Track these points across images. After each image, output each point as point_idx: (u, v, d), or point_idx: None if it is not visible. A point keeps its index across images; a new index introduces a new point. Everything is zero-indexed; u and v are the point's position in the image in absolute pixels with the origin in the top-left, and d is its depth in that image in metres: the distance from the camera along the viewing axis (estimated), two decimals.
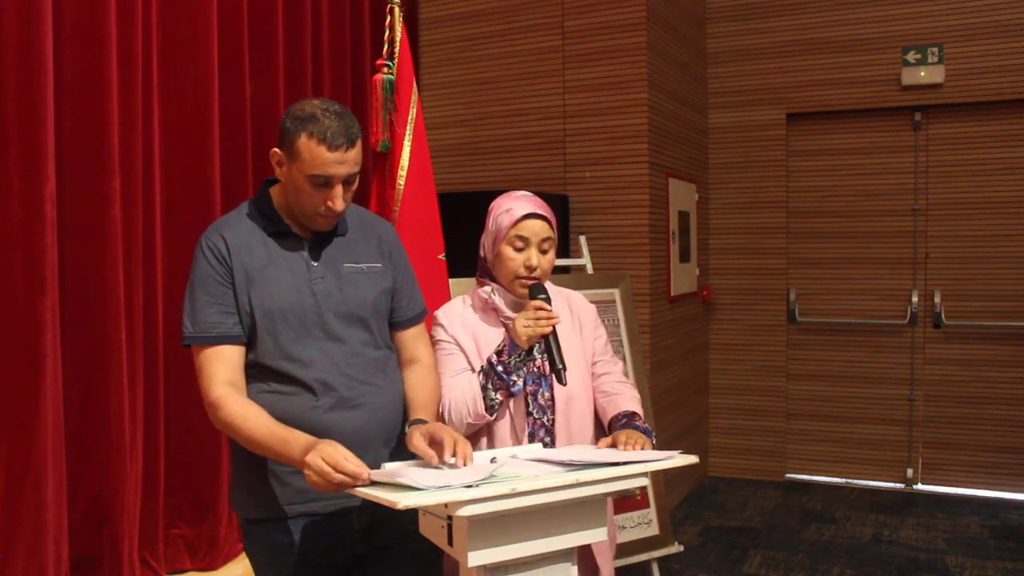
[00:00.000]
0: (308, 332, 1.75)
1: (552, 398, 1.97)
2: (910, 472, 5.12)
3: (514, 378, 1.90)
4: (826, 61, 5.09)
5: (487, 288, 2.00)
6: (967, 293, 5.00)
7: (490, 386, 1.90)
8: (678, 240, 4.78)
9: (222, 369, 1.70)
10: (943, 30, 4.84)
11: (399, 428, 1.86)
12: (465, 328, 2.00)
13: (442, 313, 2.04)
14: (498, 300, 1.98)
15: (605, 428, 2.01)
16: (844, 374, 5.27)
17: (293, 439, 1.59)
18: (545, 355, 1.93)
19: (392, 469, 1.50)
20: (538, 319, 1.87)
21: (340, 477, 1.48)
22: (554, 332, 1.88)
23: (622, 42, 4.35)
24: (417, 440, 1.65)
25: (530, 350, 1.92)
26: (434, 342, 2.02)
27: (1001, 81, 4.76)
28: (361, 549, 1.82)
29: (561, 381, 1.87)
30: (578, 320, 2.08)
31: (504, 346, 1.91)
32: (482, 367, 1.93)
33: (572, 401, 1.98)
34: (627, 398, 2.03)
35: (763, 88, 5.23)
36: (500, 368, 1.89)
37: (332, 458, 1.48)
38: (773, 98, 5.22)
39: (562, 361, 1.87)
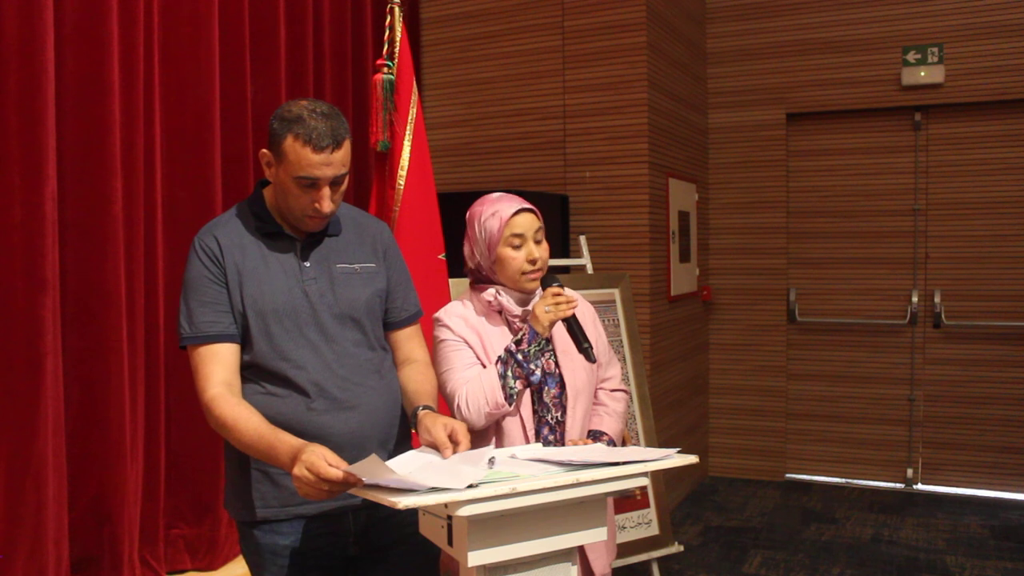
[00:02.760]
0: (301, 333, 1.74)
1: (558, 395, 1.99)
2: (910, 472, 5.12)
3: (532, 367, 1.92)
4: (826, 61, 5.09)
5: (491, 290, 1.99)
6: (967, 293, 5.00)
7: (510, 374, 1.90)
8: (678, 240, 4.78)
9: (218, 369, 1.69)
10: (943, 30, 4.84)
11: (395, 429, 1.86)
12: (469, 327, 2.00)
13: (443, 314, 2.04)
14: (505, 300, 1.98)
15: None
16: (844, 374, 5.27)
17: (280, 444, 1.57)
18: (552, 354, 1.97)
19: (387, 476, 1.46)
20: (557, 304, 1.91)
21: (327, 485, 1.45)
22: (574, 315, 1.92)
23: (622, 42, 4.35)
24: (439, 430, 1.65)
25: (547, 341, 1.95)
26: (439, 342, 2.01)
27: (1001, 81, 4.76)
28: (356, 550, 1.82)
29: (590, 359, 1.92)
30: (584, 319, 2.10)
31: (524, 335, 1.92)
32: (500, 357, 1.93)
33: (579, 397, 2.00)
34: (606, 415, 2.09)
35: (763, 88, 5.23)
36: (520, 357, 1.90)
37: (315, 467, 1.45)
38: (773, 98, 5.22)
39: (587, 339, 1.91)
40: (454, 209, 3.44)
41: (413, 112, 2.85)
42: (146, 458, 3.04)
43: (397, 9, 2.86)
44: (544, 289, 1.96)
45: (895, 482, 5.16)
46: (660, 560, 3.70)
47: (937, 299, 5.02)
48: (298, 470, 1.48)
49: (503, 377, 1.90)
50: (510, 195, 2.02)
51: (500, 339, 1.98)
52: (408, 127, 2.84)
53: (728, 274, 5.42)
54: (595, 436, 2.03)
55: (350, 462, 1.51)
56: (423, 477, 1.43)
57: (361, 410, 1.77)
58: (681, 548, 3.70)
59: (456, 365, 1.96)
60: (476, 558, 1.43)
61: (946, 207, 5.03)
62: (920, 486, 5.12)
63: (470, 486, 1.40)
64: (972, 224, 4.97)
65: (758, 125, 5.27)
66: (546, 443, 1.96)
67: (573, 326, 1.92)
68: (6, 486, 2.60)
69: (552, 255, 2.20)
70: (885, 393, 5.17)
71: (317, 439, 1.60)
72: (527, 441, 1.94)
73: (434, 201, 2.94)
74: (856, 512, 4.70)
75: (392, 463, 1.59)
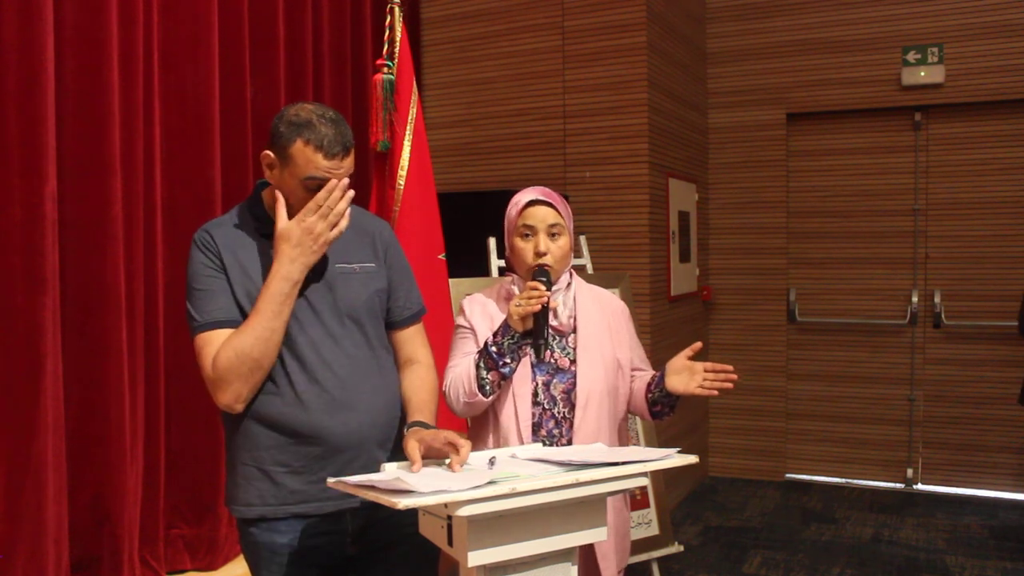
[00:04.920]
0: (302, 332, 1.74)
1: (567, 391, 1.99)
2: (910, 472, 5.12)
3: (506, 360, 1.92)
4: (826, 61, 5.09)
5: (508, 279, 2.08)
6: (967, 293, 5.00)
7: (482, 365, 1.93)
8: (678, 240, 4.78)
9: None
10: (943, 30, 4.84)
11: (395, 430, 1.85)
12: (484, 315, 2.05)
13: (467, 300, 2.11)
14: (516, 289, 2.04)
15: (647, 402, 2.06)
16: (844, 374, 5.27)
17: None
18: (570, 351, 1.98)
19: (391, 477, 1.47)
20: (529, 299, 1.89)
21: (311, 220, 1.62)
22: (544, 310, 1.90)
23: (622, 42, 4.35)
24: (411, 448, 1.63)
25: (526, 334, 1.92)
26: (454, 328, 2.09)
27: (1001, 81, 4.76)
28: (353, 550, 1.81)
29: (539, 355, 1.92)
30: (613, 320, 2.12)
31: (501, 328, 1.94)
32: (479, 349, 1.97)
33: (592, 398, 1.98)
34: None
35: (763, 88, 5.23)
36: (494, 349, 1.92)
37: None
38: (773, 98, 5.22)
39: (543, 336, 1.89)
40: (454, 209, 3.44)
41: (413, 112, 2.85)
42: (146, 458, 3.04)
43: (397, 9, 2.86)
44: (531, 280, 1.95)
45: (895, 482, 5.16)
46: (660, 560, 3.69)
47: (937, 299, 5.02)
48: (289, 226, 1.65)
49: (478, 367, 1.93)
50: (541, 188, 2.04)
51: None
52: (408, 127, 2.84)
53: (728, 274, 5.42)
54: (662, 376, 2.00)
55: (349, 462, 1.50)
56: (425, 484, 1.42)
57: (360, 410, 1.76)
58: (681, 548, 3.70)
59: (455, 352, 2.04)
60: (476, 558, 1.43)
61: (946, 207, 5.03)
62: (920, 486, 5.12)
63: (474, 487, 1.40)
64: (972, 224, 4.97)
65: (758, 125, 5.27)
66: (550, 435, 1.97)
67: (540, 320, 1.90)
68: (6, 486, 2.60)
69: None
70: (885, 393, 5.17)
71: (315, 440, 1.59)
72: (519, 433, 1.94)
73: (434, 201, 2.94)
74: (856, 512, 4.70)
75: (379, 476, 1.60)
